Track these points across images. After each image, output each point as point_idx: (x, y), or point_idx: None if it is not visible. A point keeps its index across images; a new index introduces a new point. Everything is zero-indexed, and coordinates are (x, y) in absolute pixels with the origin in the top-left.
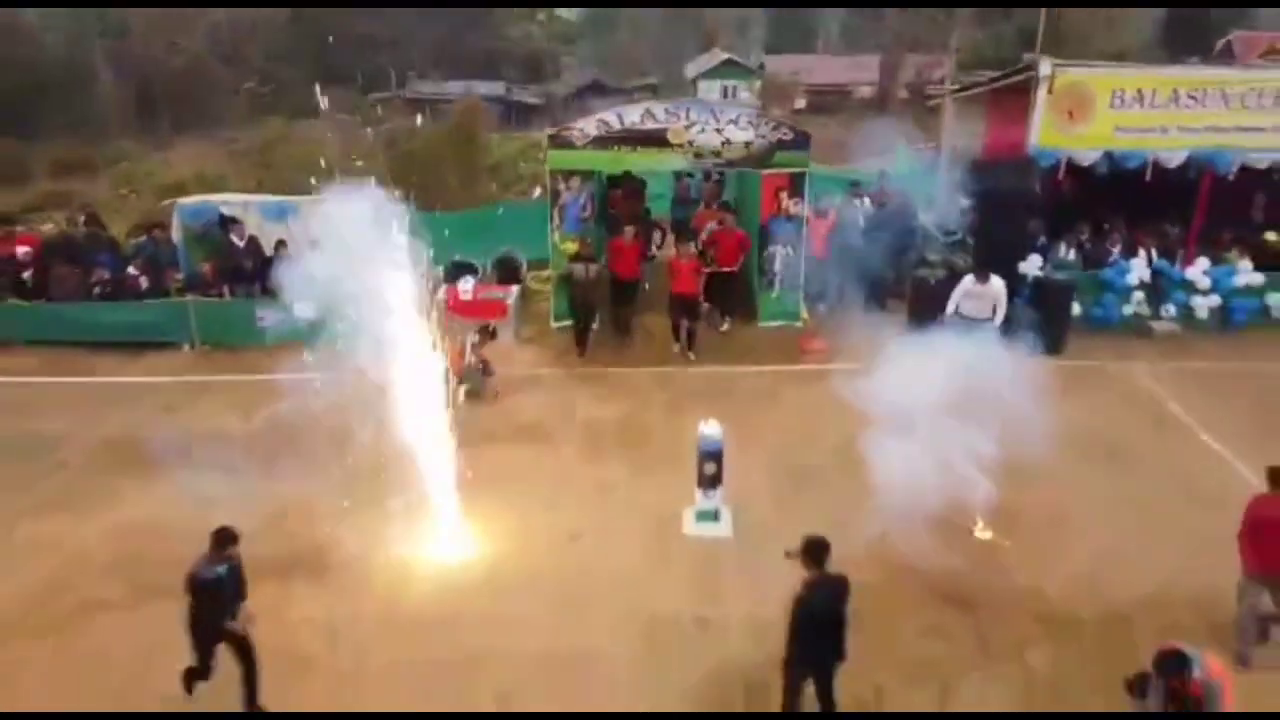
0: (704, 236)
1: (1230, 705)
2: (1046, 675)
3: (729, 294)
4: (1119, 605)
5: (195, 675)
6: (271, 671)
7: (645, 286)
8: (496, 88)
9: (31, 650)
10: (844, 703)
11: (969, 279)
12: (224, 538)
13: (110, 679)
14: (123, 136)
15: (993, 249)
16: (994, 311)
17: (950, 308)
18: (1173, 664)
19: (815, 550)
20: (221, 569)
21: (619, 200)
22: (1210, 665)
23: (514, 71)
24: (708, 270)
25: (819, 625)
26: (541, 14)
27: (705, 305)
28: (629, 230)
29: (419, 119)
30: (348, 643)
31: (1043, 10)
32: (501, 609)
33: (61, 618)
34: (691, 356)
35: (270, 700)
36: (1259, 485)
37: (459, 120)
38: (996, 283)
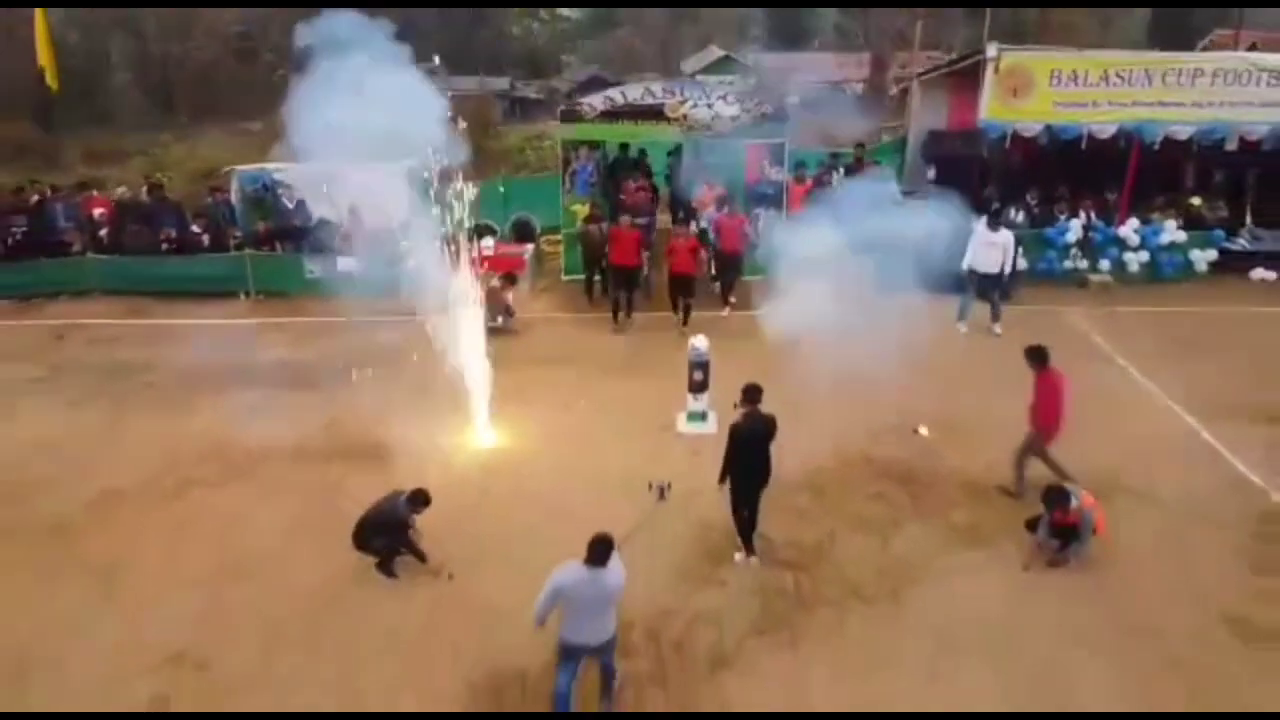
0: (704, 224)
1: (1102, 529)
2: (965, 525)
3: (732, 275)
4: (1029, 480)
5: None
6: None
7: (645, 275)
8: (501, 83)
9: (148, 513)
10: (805, 544)
11: (982, 227)
12: (419, 497)
13: (207, 533)
14: (143, 128)
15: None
16: (1002, 263)
17: (966, 261)
18: (1056, 498)
19: (750, 392)
20: (407, 516)
21: (631, 192)
22: (1085, 498)
23: (517, 68)
24: (711, 255)
25: (748, 449)
26: (544, 12)
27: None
28: (625, 219)
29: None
30: None
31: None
32: (524, 479)
33: (169, 491)
34: (685, 330)
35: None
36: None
37: (473, 108)
38: (1005, 232)
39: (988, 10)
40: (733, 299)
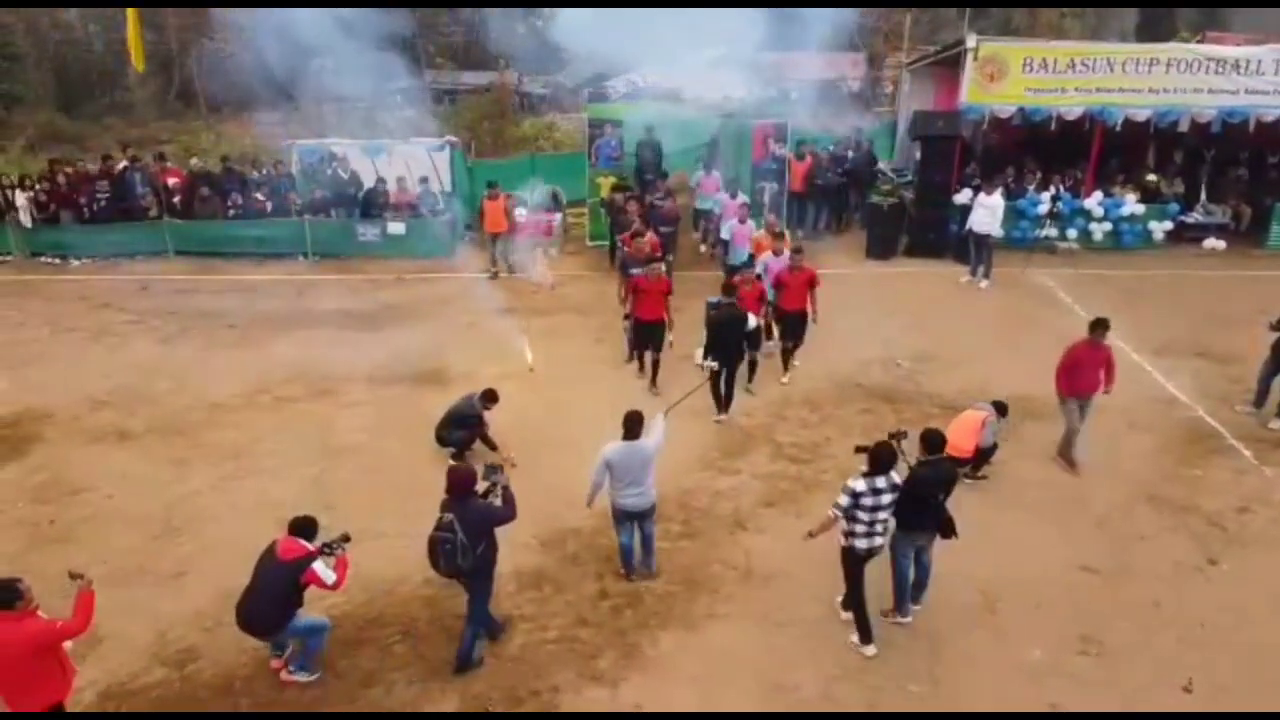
0: (760, 271)
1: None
2: None
3: (795, 333)
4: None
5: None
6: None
7: (670, 337)
8: (508, 78)
9: (252, 418)
10: (805, 445)
11: (982, 195)
12: (490, 395)
13: (305, 432)
14: (163, 118)
15: (928, 183)
16: (991, 224)
17: (969, 223)
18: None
19: (727, 289)
20: (480, 410)
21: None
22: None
23: (522, 64)
24: (769, 309)
25: (724, 332)
26: (547, 11)
27: (773, 342)
28: (657, 267)
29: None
30: None
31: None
32: (563, 392)
33: (265, 404)
34: (751, 390)
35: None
36: (1109, 336)
37: (495, 96)
38: (997, 197)
39: (967, 10)
40: (796, 362)
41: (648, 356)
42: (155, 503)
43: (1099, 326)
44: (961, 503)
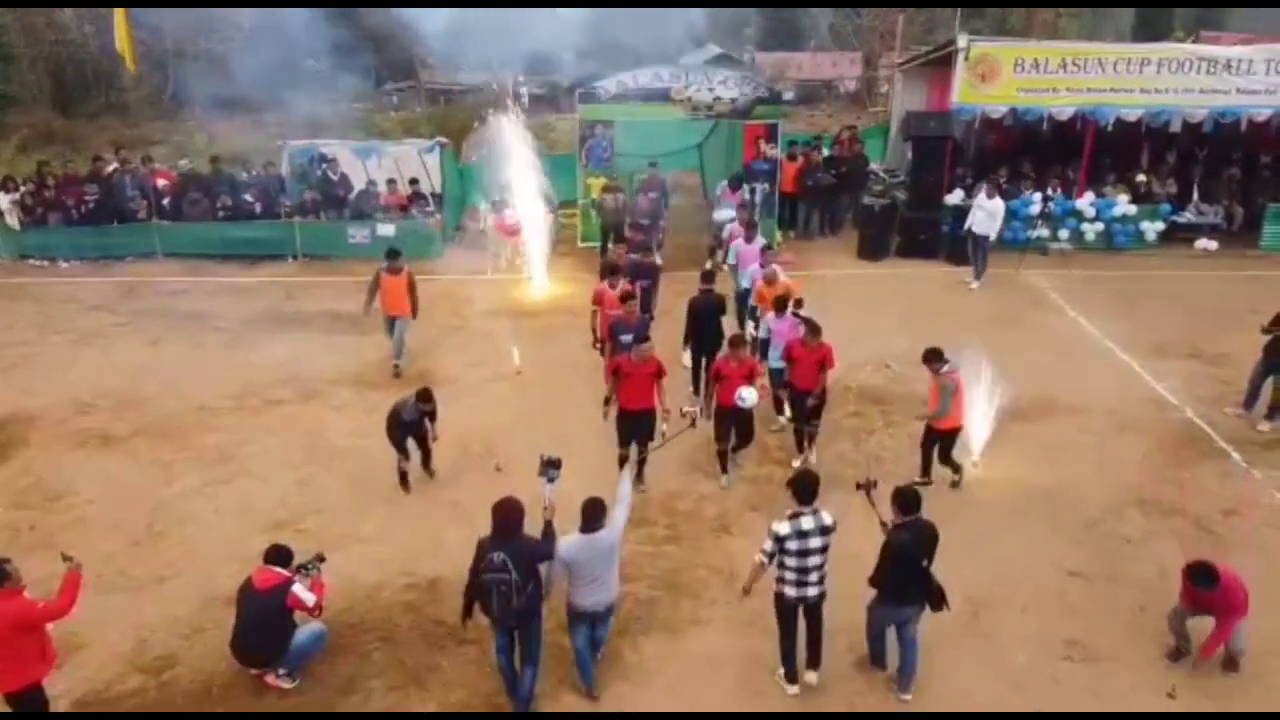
0: (763, 335)
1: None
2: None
3: (811, 416)
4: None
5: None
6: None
7: (664, 427)
8: (506, 79)
9: (241, 422)
10: (793, 449)
11: (982, 195)
12: (426, 395)
13: (292, 436)
14: (159, 119)
15: (920, 184)
16: (991, 227)
17: (968, 223)
18: (933, 355)
19: (706, 276)
20: (416, 415)
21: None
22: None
23: (519, 64)
24: (781, 392)
25: (703, 316)
26: (544, 11)
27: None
28: (645, 347)
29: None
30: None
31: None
32: (553, 396)
33: (254, 407)
34: (724, 484)
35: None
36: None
37: (489, 96)
38: (999, 201)
39: (959, 10)
40: (812, 458)
41: (633, 450)
42: (139, 507)
43: (1197, 575)
44: (948, 505)
